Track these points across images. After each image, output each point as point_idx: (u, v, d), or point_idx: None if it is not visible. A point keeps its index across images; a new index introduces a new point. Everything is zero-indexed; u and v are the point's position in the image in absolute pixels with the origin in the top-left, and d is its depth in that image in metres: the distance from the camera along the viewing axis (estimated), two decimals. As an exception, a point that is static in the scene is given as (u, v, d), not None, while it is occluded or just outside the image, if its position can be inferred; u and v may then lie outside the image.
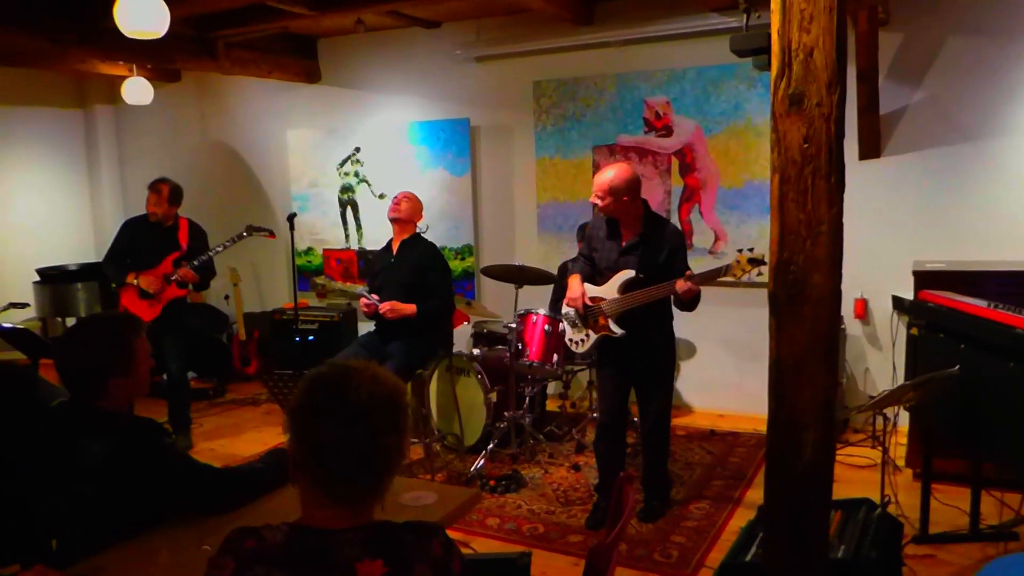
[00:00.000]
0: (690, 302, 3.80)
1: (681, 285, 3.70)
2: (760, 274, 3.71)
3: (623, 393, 4.12)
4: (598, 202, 3.91)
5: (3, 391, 3.38)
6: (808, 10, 2.07)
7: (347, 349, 4.98)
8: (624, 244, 3.98)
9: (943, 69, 5.03)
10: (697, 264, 4.01)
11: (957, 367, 3.34)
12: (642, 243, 3.93)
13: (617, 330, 3.94)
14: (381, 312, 4.73)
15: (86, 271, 7.22)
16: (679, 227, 4.03)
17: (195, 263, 5.33)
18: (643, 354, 3.99)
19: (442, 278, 4.89)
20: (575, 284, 4.10)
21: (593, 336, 4.06)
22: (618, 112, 5.95)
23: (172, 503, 2.28)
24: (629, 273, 3.90)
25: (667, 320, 4.06)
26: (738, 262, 3.72)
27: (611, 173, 3.84)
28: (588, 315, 4.06)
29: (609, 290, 3.97)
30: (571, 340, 4.21)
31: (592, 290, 4.05)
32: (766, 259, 3.66)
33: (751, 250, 3.75)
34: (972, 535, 3.70)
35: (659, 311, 3.92)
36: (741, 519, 4.06)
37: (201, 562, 1.56)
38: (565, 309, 4.18)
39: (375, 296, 4.79)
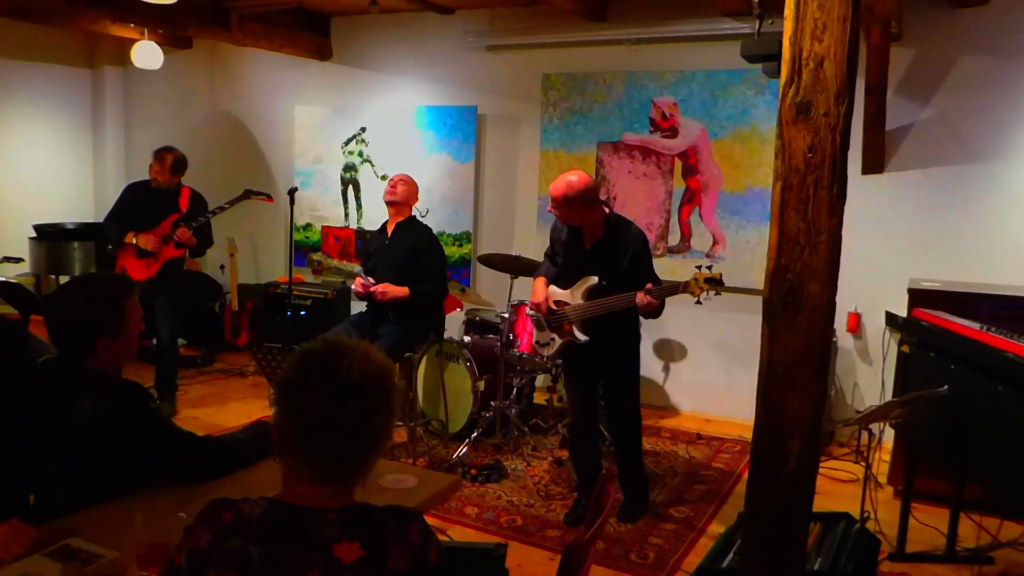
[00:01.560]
0: (652, 312, 3.76)
1: (641, 298, 3.66)
2: (718, 294, 3.70)
3: (592, 395, 4.10)
4: (555, 212, 3.88)
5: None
6: (822, 19, 2.07)
7: (337, 327, 4.98)
8: (587, 248, 3.93)
9: (953, 88, 5.02)
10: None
11: (946, 387, 3.35)
12: (604, 248, 3.89)
13: (581, 337, 3.90)
14: (375, 294, 4.72)
15: (84, 231, 7.20)
16: (642, 230, 3.95)
17: (193, 224, 5.37)
18: (607, 357, 3.97)
19: (435, 261, 4.88)
20: (539, 288, 4.07)
21: (559, 341, 4.04)
22: (625, 110, 5.94)
23: (152, 468, 2.28)
24: (593, 280, 3.86)
25: (632, 323, 4.01)
26: (696, 280, 3.67)
27: (564, 184, 3.77)
28: (553, 320, 4.04)
29: (574, 296, 3.94)
30: (538, 343, 4.19)
31: (557, 294, 4.02)
32: (723, 280, 3.68)
33: (709, 268, 3.71)
34: (948, 556, 3.71)
35: (624, 315, 3.86)
36: (720, 524, 4.08)
37: (176, 528, 1.55)
38: (531, 311, 4.16)
39: (371, 279, 4.78)
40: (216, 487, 2.27)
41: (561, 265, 4.07)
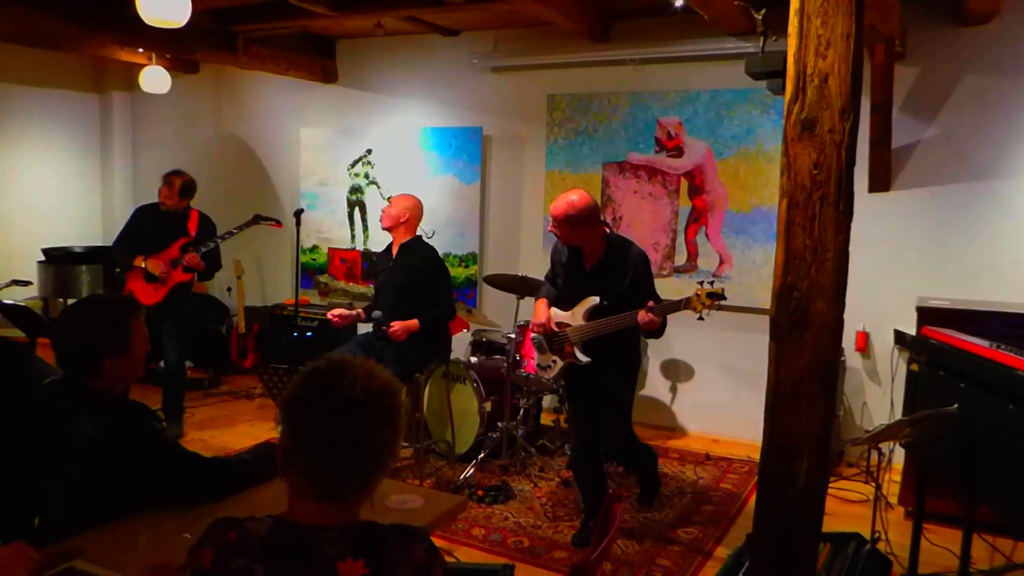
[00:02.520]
0: (654, 331, 3.74)
1: (642, 316, 3.64)
2: (720, 308, 3.69)
3: (593, 420, 4.04)
4: (556, 231, 3.87)
5: (-2, 367, 3.37)
6: (825, 36, 2.07)
7: (343, 347, 4.96)
8: (588, 269, 3.92)
9: (958, 106, 5.02)
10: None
11: (956, 406, 3.32)
12: (605, 268, 3.87)
13: (583, 358, 3.89)
14: (389, 335, 4.66)
15: (91, 254, 7.22)
16: (643, 250, 3.94)
17: (202, 249, 5.38)
18: (606, 377, 3.93)
19: (441, 285, 4.84)
20: (541, 310, 4.05)
21: (560, 363, 4.02)
22: (630, 130, 5.95)
23: (157, 489, 2.26)
24: (594, 300, 3.84)
25: (634, 345, 3.99)
26: (697, 295, 3.65)
27: (565, 203, 3.76)
28: (554, 341, 4.02)
29: (574, 317, 3.92)
30: (539, 366, 4.18)
31: (558, 315, 4.00)
32: (725, 294, 3.66)
33: (711, 283, 3.69)
34: (961, 578, 3.67)
35: (626, 336, 3.84)
36: (728, 547, 4.04)
37: (181, 549, 1.54)
38: (533, 334, 4.14)
39: (364, 312, 4.77)
40: (221, 507, 2.25)
41: (562, 286, 4.06)
